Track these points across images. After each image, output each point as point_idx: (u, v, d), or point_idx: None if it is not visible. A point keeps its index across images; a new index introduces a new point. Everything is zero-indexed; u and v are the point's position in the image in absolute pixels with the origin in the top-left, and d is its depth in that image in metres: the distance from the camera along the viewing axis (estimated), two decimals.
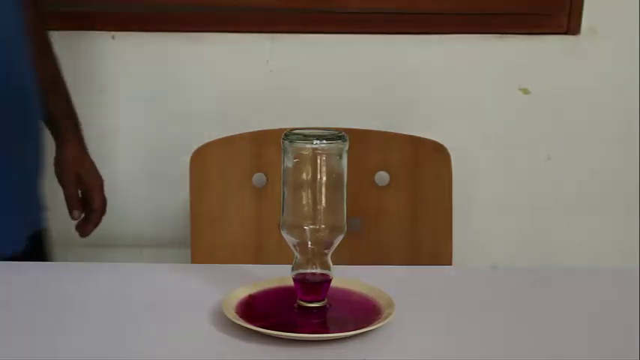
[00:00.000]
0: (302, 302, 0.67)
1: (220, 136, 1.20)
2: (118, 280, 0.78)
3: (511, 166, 1.57)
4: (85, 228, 1.11)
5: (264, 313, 0.67)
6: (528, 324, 0.69)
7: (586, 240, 1.59)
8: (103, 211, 1.15)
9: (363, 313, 0.67)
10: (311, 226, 0.65)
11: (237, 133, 1.21)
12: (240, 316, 0.65)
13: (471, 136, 1.54)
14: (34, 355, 0.61)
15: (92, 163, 1.16)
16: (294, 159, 0.64)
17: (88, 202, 1.13)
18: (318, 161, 0.63)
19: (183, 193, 1.21)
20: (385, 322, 0.64)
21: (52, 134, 1.11)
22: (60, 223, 1.11)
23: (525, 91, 1.53)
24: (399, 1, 1.48)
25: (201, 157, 1.19)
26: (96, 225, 1.12)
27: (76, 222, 1.11)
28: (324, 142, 0.63)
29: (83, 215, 1.12)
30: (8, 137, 0.94)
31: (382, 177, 1.40)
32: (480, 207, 1.57)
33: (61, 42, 1.16)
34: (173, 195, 1.45)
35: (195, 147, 1.19)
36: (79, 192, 1.13)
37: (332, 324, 0.67)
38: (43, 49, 1.08)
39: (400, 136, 1.40)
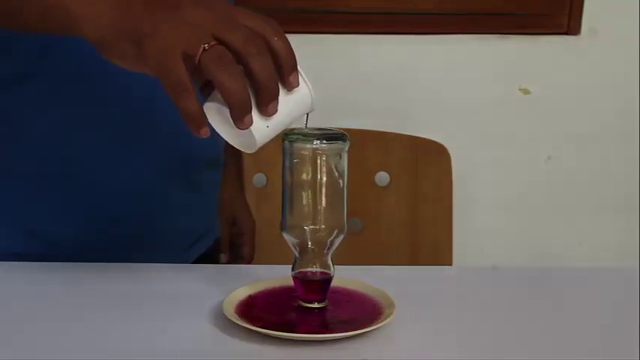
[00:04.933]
0: (302, 302, 0.67)
1: None
2: (118, 279, 0.78)
3: (511, 166, 1.57)
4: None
5: (264, 313, 0.67)
6: (528, 324, 0.69)
7: (586, 240, 1.59)
8: (250, 260, 1.13)
9: (363, 313, 0.67)
10: (311, 227, 0.65)
11: None
12: (240, 317, 0.65)
13: (471, 136, 1.54)
14: (34, 354, 0.61)
15: (247, 206, 1.15)
16: (294, 159, 0.64)
17: (238, 246, 1.12)
18: (318, 161, 0.63)
19: None
20: (385, 322, 0.64)
21: None
22: None
23: (525, 91, 1.53)
24: (399, 1, 1.48)
25: None
26: None
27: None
28: (324, 142, 0.63)
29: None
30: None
31: (382, 177, 1.40)
32: (480, 207, 1.57)
33: None
34: None
35: None
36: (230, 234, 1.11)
37: (332, 324, 0.67)
38: None
39: (400, 136, 1.40)
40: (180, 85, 0.57)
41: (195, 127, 0.58)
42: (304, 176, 0.64)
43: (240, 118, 0.57)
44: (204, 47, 0.56)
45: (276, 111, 0.59)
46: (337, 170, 0.64)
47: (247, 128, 0.58)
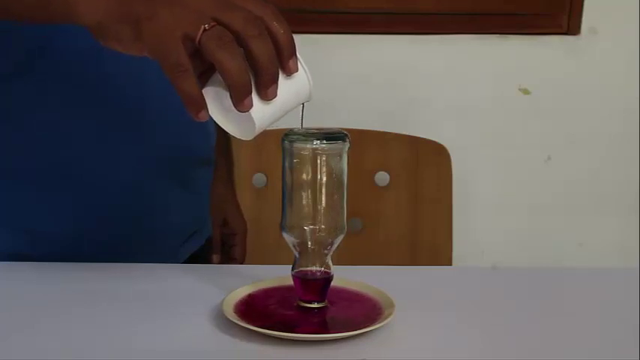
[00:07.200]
0: (302, 302, 0.67)
1: None
2: (118, 279, 0.78)
3: (511, 166, 1.57)
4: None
5: (264, 313, 0.67)
6: (528, 324, 0.69)
7: (586, 240, 1.59)
8: (242, 261, 1.12)
9: (363, 313, 0.67)
10: (311, 227, 0.65)
11: None
12: (240, 316, 0.65)
13: (471, 136, 1.54)
14: (34, 354, 0.61)
15: (239, 207, 1.14)
16: (294, 159, 0.64)
17: (229, 247, 1.11)
18: (318, 161, 0.63)
19: None
20: (385, 322, 0.64)
21: None
22: None
23: (525, 91, 1.53)
24: (399, 1, 1.48)
25: None
26: None
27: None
28: (324, 142, 0.63)
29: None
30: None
31: (382, 177, 1.40)
32: (480, 207, 1.57)
33: None
34: None
35: None
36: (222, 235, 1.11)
37: (332, 324, 0.67)
38: None
39: (400, 136, 1.40)
40: (180, 67, 0.56)
41: (195, 109, 0.57)
42: (304, 176, 0.64)
43: (241, 100, 0.56)
44: (204, 28, 0.55)
45: (275, 95, 0.58)
46: (337, 170, 0.64)
47: (247, 111, 0.57)
